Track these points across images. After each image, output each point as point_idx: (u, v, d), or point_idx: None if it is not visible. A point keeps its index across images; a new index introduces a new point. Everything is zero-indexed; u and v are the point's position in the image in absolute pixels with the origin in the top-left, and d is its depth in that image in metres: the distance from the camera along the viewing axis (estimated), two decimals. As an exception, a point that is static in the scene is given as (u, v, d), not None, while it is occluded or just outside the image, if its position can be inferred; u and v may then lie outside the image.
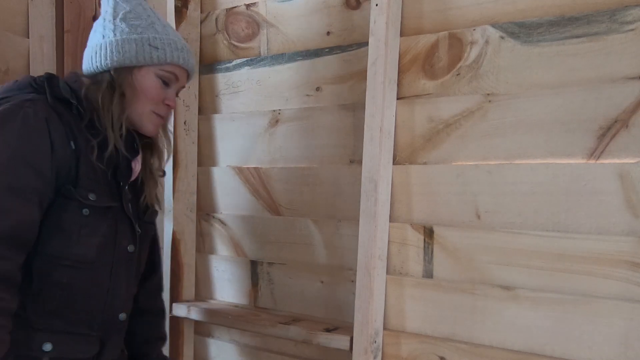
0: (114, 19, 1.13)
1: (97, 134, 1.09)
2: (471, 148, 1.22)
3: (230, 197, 1.66)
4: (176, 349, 1.69)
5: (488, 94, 1.20)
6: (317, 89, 1.47)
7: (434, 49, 1.27)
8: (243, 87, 1.62)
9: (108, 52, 1.11)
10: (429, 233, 1.28)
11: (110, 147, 1.10)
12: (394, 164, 1.31)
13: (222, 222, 1.68)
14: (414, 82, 1.30)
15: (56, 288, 1.06)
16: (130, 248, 1.17)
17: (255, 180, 1.59)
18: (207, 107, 1.71)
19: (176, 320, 1.68)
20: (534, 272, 1.15)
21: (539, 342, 1.15)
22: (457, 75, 1.24)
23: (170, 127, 1.65)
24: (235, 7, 1.62)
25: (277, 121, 1.55)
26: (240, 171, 1.63)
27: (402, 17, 1.29)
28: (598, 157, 1.09)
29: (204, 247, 1.73)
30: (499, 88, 1.19)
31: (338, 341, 1.34)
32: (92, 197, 1.07)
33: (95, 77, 1.13)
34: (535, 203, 1.15)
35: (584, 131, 1.10)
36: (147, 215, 1.24)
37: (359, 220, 1.30)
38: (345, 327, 1.39)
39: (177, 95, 1.22)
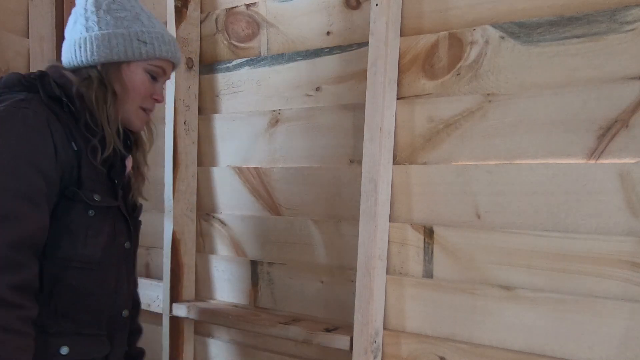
0: (97, 10, 1.09)
1: (94, 133, 1.08)
2: (471, 148, 1.22)
3: (230, 197, 1.66)
4: (176, 349, 1.69)
5: (488, 94, 1.20)
6: (317, 89, 1.47)
7: (434, 49, 1.27)
8: (243, 87, 1.62)
9: (95, 47, 1.08)
10: (429, 233, 1.28)
11: (109, 146, 1.09)
12: (394, 164, 1.31)
13: (222, 222, 1.68)
14: (414, 82, 1.30)
15: (66, 290, 1.05)
16: (127, 245, 1.17)
17: (255, 180, 1.59)
18: (207, 107, 1.71)
19: (176, 320, 1.68)
20: (534, 272, 1.15)
21: (539, 342, 1.15)
22: (457, 75, 1.24)
23: (170, 126, 1.66)
24: (235, 7, 1.62)
25: (277, 121, 1.55)
26: (240, 171, 1.63)
27: (402, 17, 1.29)
28: (598, 157, 1.09)
29: (204, 247, 1.73)
30: (499, 88, 1.19)
31: (338, 341, 1.34)
32: (96, 197, 1.07)
33: (79, 71, 1.10)
34: (535, 203, 1.15)
35: (584, 131, 1.10)
36: (136, 212, 1.24)
37: (359, 220, 1.30)
38: (345, 327, 1.39)
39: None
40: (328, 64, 1.45)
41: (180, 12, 1.64)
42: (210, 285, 1.72)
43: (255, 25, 1.59)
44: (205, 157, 1.72)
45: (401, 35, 1.30)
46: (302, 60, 1.50)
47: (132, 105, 1.13)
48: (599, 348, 1.09)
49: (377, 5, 1.25)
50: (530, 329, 1.16)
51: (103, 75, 1.09)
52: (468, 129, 1.23)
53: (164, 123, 1.68)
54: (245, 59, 1.61)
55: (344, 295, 1.44)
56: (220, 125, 1.67)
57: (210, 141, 1.70)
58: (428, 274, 1.29)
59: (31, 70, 1.59)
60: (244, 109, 1.62)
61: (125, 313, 1.18)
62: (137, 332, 1.38)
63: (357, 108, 1.39)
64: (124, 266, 1.17)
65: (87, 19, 1.10)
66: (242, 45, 1.62)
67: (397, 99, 1.31)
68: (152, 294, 1.75)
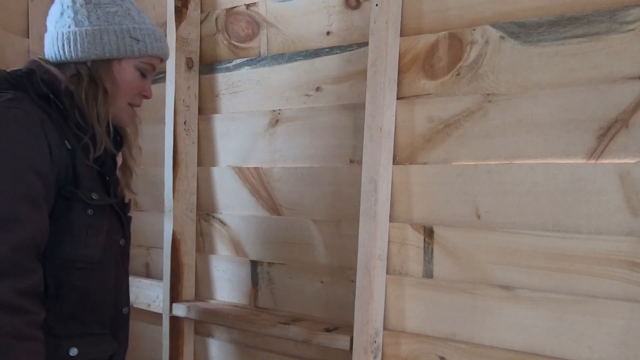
0: (87, 3, 1.06)
1: (85, 131, 1.06)
2: (471, 148, 1.22)
3: (230, 197, 1.66)
4: (176, 349, 1.69)
5: (488, 94, 1.20)
6: (317, 89, 1.47)
7: (434, 49, 1.27)
8: (243, 87, 1.62)
9: (85, 43, 1.05)
10: (429, 233, 1.28)
11: (101, 145, 1.07)
12: (394, 164, 1.31)
13: (222, 222, 1.68)
14: (414, 82, 1.30)
15: (71, 292, 1.05)
16: (122, 242, 1.17)
17: (255, 180, 1.59)
18: (207, 107, 1.71)
19: (176, 320, 1.68)
20: (534, 272, 1.15)
21: (539, 342, 1.15)
22: (457, 75, 1.24)
23: (170, 126, 1.66)
24: (235, 7, 1.62)
25: (277, 121, 1.55)
26: (240, 171, 1.63)
27: (402, 17, 1.29)
28: (598, 157, 1.09)
29: (204, 247, 1.73)
30: (499, 88, 1.19)
31: (338, 341, 1.34)
32: (95, 196, 1.06)
33: (66, 67, 1.07)
34: (535, 203, 1.15)
35: (584, 131, 1.10)
36: (127, 208, 1.23)
37: (359, 220, 1.30)
38: (345, 327, 1.39)
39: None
40: (328, 64, 1.45)
41: (180, 12, 1.64)
42: (210, 285, 1.72)
43: (255, 25, 1.59)
44: (205, 157, 1.72)
45: (401, 35, 1.30)
46: (302, 60, 1.50)
47: (121, 102, 1.12)
48: (599, 348, 1.09)
49: (377, 5, 1.25)
50: (530, 329, 1.16)
51: (93, 72, 1.07)
52: (468, 129, 1.23)
53: (164, 123, 1.68)
54: (245, 59, 1.61)
55: (344, 295, 1.44)
56: (220, 125, 1.67)
57: (210, 141, 1.70)
58: (428, 274, 1.29)
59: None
60: (244, 109, 1.62)
61: (125, 310, 1.19)
62: None
63: (357, 108, 1.39)
64: (121, 263, 1.17)
65: (76, 12, 1.06)
66: (242, 45, 1.62)
67: (397, 99, 1.31)
68: (152, 294, 1.75)
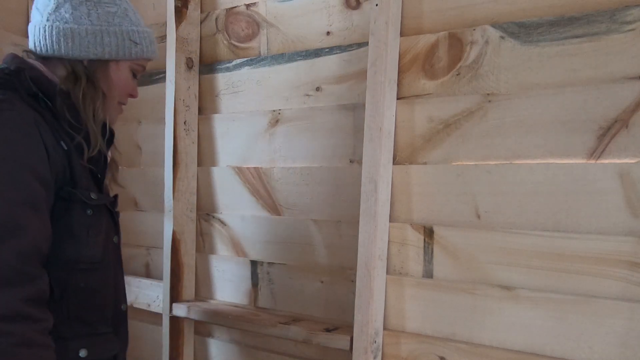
0: (87, 0, 1.04)
1: (78, 130, 1.04)
2: (471, 148, 1.22)
3: (230, 197, 1.66)
4: (176, 349, 1.69)
5: (488, 94, 1.20)
6: (317, 89, 1.47)
7: (434, 49, 1.27)
8: (243, 87, 1.62)
9: (86, 42, 1.04)
10: (429, 233, 1.28)
11: (95, 145, 1.06)
12: (394, 164, 1.31)
13: (222, 222, 1.68)
14: (414, 82, 1.30)
15: (76, 293, 1.04)
16: (115, 239, 1.17)
17: (255, 180, 1.59)
18: (207, 107, 1.71)
19: (176, 320, 1.68)
20: (534, 272, 1.15)
21: (539, 342, 1.15)
22: (457, 75, 1.24)
23: (170, 126, 1.66)
24: (235, 7, 1.62)
25: (277, 121, 1.55)
26: (240, 171, 1.63)
27: (402, 17, 1.29)
28: (598, 157, 1.09)
29: (204, 247, 1.73)
30: (499, 88, 1.19)
31: (338, 341, 1.34)
32: (93, 196, 1.06)
33: (56, 62, 1.06)
34: (535, 203, 1.15)
35: (584, 131, 1.10)
36: (116, 203, 1.21)
37: (359, 220, 1.30)
38: (345, 327, 1.39)
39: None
40: (328, 64, 1.45)
41: (180, 12, 1.64)
42: (210, 285, 1.72)
43: (255, 25, 1.59)
44: (205, 157, 1.72)
45: (401, 35, 1.30)
46: (302, 60, 1.50)
47: (113, 101, 1.13)
48: (599, 348, 1.09)
49: (377, 5, 1.25)
50: (530, 329, 1.16)
51: (90, 72, 1.06)
52: (468, 129, 1.23)
53: (164, 123, 1.68)
54: (245, 59, 1.61)
55: (344, 295, 1.44)
56: (220, 125, 1.67)
57: (210, 141, 1.70)
58: (428, 274, 1.29)
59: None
60: (244, 109, 1.62)
61: (124, 307, 1.19)
62: None
63: (357, 108, 1.39)
64: (118, 261, 1.18)
65: (74, 8, 1.04)
66: (242, 45, 1.62)
67: (397, 99, 1.31)
68: (152, 294, 1.75)
